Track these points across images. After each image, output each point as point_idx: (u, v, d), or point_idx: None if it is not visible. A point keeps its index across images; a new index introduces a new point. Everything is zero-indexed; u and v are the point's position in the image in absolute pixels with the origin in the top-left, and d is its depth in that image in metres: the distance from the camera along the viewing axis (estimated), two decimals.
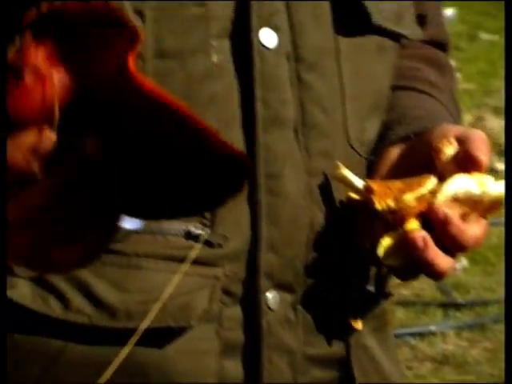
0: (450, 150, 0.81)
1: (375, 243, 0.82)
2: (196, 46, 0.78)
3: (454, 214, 0.79)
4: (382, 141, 0.92)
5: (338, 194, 0.87)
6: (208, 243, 0.81)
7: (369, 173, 0.89)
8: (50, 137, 0.51)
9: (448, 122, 0.91)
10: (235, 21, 0.80)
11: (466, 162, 0.80)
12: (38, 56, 0.52)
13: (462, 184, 0.80)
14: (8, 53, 0.51)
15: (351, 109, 0.89)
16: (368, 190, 0.82)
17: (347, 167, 0.84)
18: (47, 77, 0.51)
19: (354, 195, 0.85)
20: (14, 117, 0.51)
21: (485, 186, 0.80)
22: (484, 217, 0.81)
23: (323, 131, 0.87)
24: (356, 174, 0.85)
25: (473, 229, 0.80)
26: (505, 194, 0.83)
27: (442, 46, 1.05)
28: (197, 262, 0.78)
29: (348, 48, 0.89)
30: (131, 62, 0.51)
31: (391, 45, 0.93)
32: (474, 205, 0.80)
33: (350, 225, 0.87)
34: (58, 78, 0.51)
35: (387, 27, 0.90)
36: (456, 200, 0.80)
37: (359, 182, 0.84)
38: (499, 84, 6.20)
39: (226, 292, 0.82)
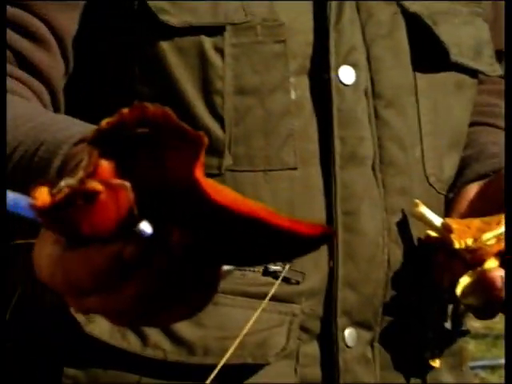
0: None
1: (453, 282, 0.82)
2: (275, 82, 0.79)
3: None
4: (460, 178, 0.92)
5: (416, 231, 0.87)
6: (286, 280, 0.81)
7: (447, 210, 0.89)
8: (134, 242, 0.51)
9: None
10: (313, 58, 0.82)
11: None
12: (107, 171, 0.52)
13: None
14: (76, 175, 0.51)
15: (429, 145, 0.89)
16: (447, 229, 0.82)
17: (425, 204, 0.84)
18: (120, 189, 0.50)
19: (432, 233, 0.85)
20: (93, 233, 0.51)
21: None
22: None
23: (401, 168, 0.87)
24: (434, 211, 0.85)
25: None
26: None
27: None
28: (275, 298, 0.78)
29: (426, 84, 0.89)
30: (199, 173, 0.50)
31: (470, 81, 0.93)
32: None
33: (427, 263, 0.87)
34: (129, 188, 0.50)
35: (466, 64, 0.90)
36: None
37: (438, 220, 0.84)
38: None
39: (304, 329, 0.82)
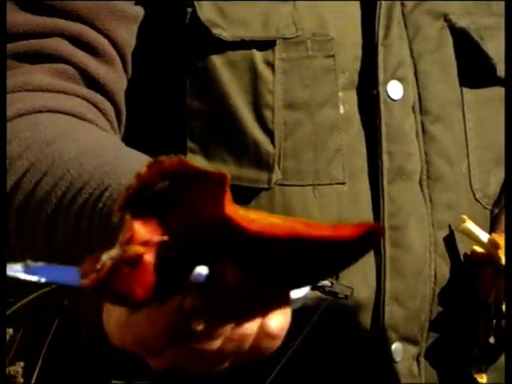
0: None
1: (499, 298, 0.83)
2: (324, 97, 0.81)
3: None
4: (502, 195, 0.93)
5: (463, 247, 0.87)
6: (334, 294, 0.81)
7: (492, 225, 0.90)
8: (192, 292, 0.52)
9: None
10: (362, 73, 0.83)
11: None
12: (144, 231, 0.53)
13: None
14: (116, 245, 0.52)
15: (476, 161, 0.90)
16: (493, 245, 0.84)
17: (471, 219, 0.85)
18: (161, 244, 0.52)
19: (478, 249, 0.85)
20: (148, 294, 0.53)
21: None
22: None
23: (448, 183, 0.88)
24: (480, 226, 0.85)
25: None
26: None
27: None
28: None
29: (473, 99, 0.90)
30: (229, 209, 0.52)
31: None
32: None
33: (474, 279, 0.88)
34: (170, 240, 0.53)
35: None
36: None
37: (484, 236, 0.85)
38: None
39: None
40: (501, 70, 0.91)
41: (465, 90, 0.90)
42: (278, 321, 0.55)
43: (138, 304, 0.53)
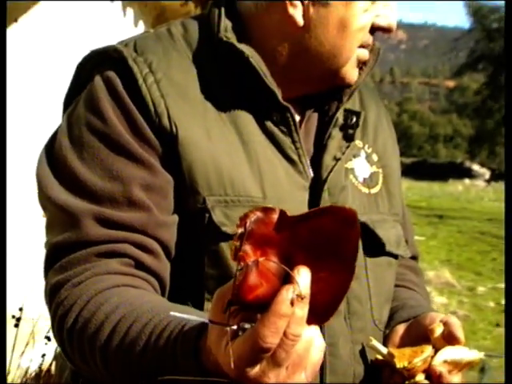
0: (439, 329, 0.98)
1: None
2: None
3: (444, 371, 0.95)
4: (392, 321, 1.08)
5: (371, 354, 1.03)
6: None
7: (385, 341, 1.04)
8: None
9: (429, 308, 1.10)
10: None
11: (450, 338, 0.97)
12: (257, 254, 0.64)
13: (449, 353, 0.97)
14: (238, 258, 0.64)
15: (374, 302, 1.05)
16: (390, 355, 0.99)
17: (373, 337, 1.01)
18: (269, 272, 0.63)
19: (380, 357, 1.01)
20: (250, 298, 0.63)
21: (463, 353, 0.97)
22: (461, 371, 0.98)
23: (360, 316, 1.02)
24: (379, 342, 1.01)
25: (456, 379, 0.97)
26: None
27: (415, 257, 1.26)
28: None
29: (371, 264, 1.04)
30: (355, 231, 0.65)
31: (394, 261, 1.10)
32: (456, 365, 0.97)
33: (378, 375, 1.02)
34: (277, 270, 0.64)
35: (393, 251, 1.08)
36: (446, 362, 0.96)
37: (384, 349, 1.00)
38: None
39: None
40: (389, 248, 1.06)
41: (366, 258, 1.04)
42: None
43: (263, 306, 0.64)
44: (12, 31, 3.41)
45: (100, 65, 0.98)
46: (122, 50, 0.97)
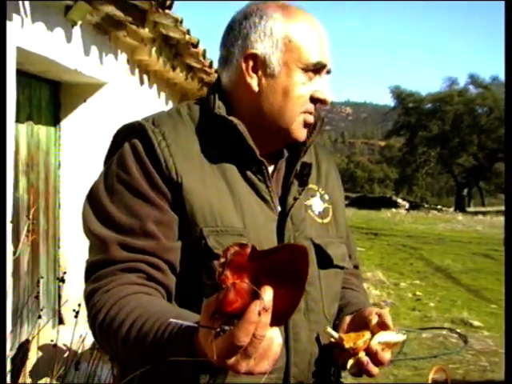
0: (375, 319, 0.97)
1: (344, 362, 0.97)
2: None
3: (379, 349, 0.95)
4: (341, 314, 1.07)
5: (324, 339, 1.02)
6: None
7: (336, 329, 1.03)
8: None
9: (367, 304, 1.10)
10: None
11: (383, 326, 0.96)
12: (234, 277, 0.64)
13: (382, 337, 0.97)
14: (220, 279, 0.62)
15: (325, 301, 1.04)
16: (340, 338, 0.98)
17: (326, 328, 1.01)
18: (243, 291, 0.63)
19: (333, 340, 1.00)
20: (229, 309, 0.63)
21: (392, 337, 0.97)
22: (391, 349, 0.97)
23: (315, 312, 1.01)
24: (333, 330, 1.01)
25: (387, 355, 0.96)
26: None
27: (357, 267, 1.24)
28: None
29: (323, 274, 1.03)
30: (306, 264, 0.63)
31: (341, 271, 1.09)
32: (387, 345, 0.97)
33: (329, 354, 1.01)
34: (249, 289, 0.62)
35: (340, 264, 1.07)
36: (380, 343, 0.96)
37: (336, 334, 1.00)
38: None
39: None
40: (335, 262, 1.04)
41: (320, 270, 1.03)
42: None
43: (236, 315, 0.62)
44: (81, 109, 3.38)
45: (129, 135, 0.97)
46: (144, 124, 0.97)
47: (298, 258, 0.63)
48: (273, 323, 0.64)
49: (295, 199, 1.00)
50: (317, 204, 1.04)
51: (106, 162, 1.00)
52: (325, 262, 1.02)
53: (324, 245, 1.02)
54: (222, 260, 0.63)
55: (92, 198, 0.96)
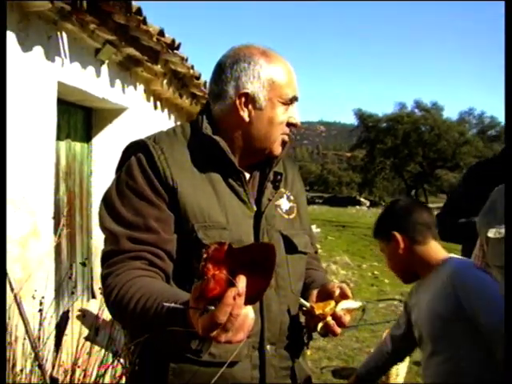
0: (337, 291, 0.94)
1: (315, 325, 0.94)
2: None
3: (342, 314, 0.94)
4: (309, 288, 1.04)
5: (293, 310, 0.99)
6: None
7: (306, 299, 0.99)
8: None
9: (328, 281, 1.05)
10: None
11: (344, 296, 0.95)
12: (215, 269, 0.62)
13: (344, 304, 0.95)
14: (200, 269, 0.60)
15: (292, 279, 1.01)
16: (311, 307, 0.96)
17: (292, 302, 0.98)
18: (221, 280, 0.61)
19: (304, 308, 0.97)
20: (210, 295, 0.61)
21: (352, 304, 0.95)
22: (351, 313, 0.95)
23: (284, 288, 0.99)
24: (295, 304, 0.98)
25: (347, 318, 0.94)
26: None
27: (316, 252, 1.20)
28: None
29: (290, 258, 1.01)
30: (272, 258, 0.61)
31: (304, 256, 1.06)
32: (348, 311, 0.95)
33: (302, 320, 0.99)
34: (226, 278, 0.61)
35: (304, 251, 1.04)
36: (342, 309, 0.94)
37: (307, 304, 0.97)
38: None
39: (253, 347, 0.94)
40: (300, 249, 1.01)
41: (287, 255, 1.00)
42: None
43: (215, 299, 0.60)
44: (108, 129, 3.38)
45: (135, 150, 0.96)
46: (147, 141, 0.96)
47: (267, 254, 0.63)
48: (247, 303, 0.63)
49: (269, 200, 0.99)
50: (284, 203, 1.03)
51: (117, 171, 0.99)
52: (291, 248, 1.01)
53: (290, 235, 1.01)
54: (205, 255, 0.62)
55: (106, 201, 0.94)
